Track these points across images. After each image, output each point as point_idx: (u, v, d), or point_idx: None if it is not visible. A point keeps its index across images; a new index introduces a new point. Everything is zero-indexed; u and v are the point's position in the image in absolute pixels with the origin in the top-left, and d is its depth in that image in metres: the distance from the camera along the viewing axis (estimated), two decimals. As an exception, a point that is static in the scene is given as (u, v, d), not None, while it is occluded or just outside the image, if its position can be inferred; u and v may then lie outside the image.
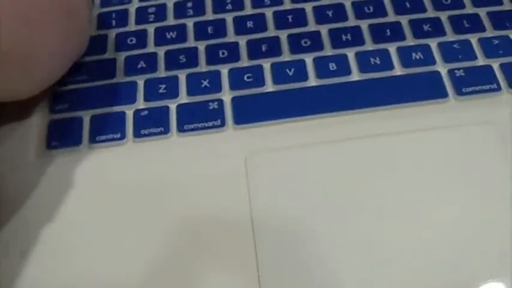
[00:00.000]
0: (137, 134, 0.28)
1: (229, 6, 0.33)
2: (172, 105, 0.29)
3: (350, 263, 0.24)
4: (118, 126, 0.29)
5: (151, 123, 0.29)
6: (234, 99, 0.29)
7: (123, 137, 0.28)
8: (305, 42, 0.31)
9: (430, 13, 0.32)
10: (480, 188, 0.26)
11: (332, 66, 0.30)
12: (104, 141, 0.28)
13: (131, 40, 0.32)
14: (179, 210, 0.26)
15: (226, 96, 0.29)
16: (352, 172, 0.26)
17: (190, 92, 0.30)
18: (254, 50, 0.31)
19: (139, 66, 0.31)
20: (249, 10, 0.33)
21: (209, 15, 0.33)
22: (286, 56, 0.31)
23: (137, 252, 0.25)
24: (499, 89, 0.29)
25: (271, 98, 0.29)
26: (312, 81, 0.30)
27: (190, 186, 0.27)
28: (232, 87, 0.30)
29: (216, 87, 0.30)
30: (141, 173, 0.27)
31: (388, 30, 0.32)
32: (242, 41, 0.32)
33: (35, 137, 0.29)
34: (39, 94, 0.28)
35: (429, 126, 0.28)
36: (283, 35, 0.32)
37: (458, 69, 0.30)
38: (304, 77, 0.30)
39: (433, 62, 0.30)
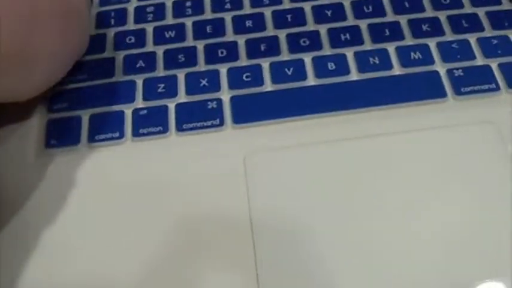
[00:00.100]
0: (136, 133, 0.28)
1: (228, 6, 0.33)
2: (171, 105, 0.29)
3: (348, 262, 0.24)
4: (117, 126, 0.29)
5: (150, 123, 0.29)
6: (232, 99, 0.29)
7: (122, 136, 0.28)
8: (304, 42, 0.31)
9: (429, 13, 0.32)
10: (479, 187, 0.26)
11: (331, 65, 0.30)
12: (102, 140, 0.28)
13: (130, 39, 0.32)
14: (178, 210, 0.26)
15: (225, 95, 0.29)
16: (351, 172, 0.26)
17: (189, 91, 0.30)
18: (253, 50, 0.31)
19: (138, 65, 0.31)
20: (247, 9, 0.33)
21: (208, 15, 0.33)
22: (285, 56, 0.31)
23: (135, 251, 0.25)
24: (497, 88, 0.29)
25: (270, 97, 0.29)
26: (311, 80, 0.30)
27: (189, 185, 0.27)
28: (231, 86, 0.30)
29: (215, 86, 0.30)
30: (140, 172, 0.27)
31: (387, 30, 0.32)
32: (241, 40, 0.32)
33: (34, 137, 0.28)
34: (39, 94, 0.27)
35: (428, 126, 0.28)
36: (282, 34, 0.32)
37: (457, 69, 0.30)
38: (303, 76, 0.30)
39: (432, 62, 0.30)
